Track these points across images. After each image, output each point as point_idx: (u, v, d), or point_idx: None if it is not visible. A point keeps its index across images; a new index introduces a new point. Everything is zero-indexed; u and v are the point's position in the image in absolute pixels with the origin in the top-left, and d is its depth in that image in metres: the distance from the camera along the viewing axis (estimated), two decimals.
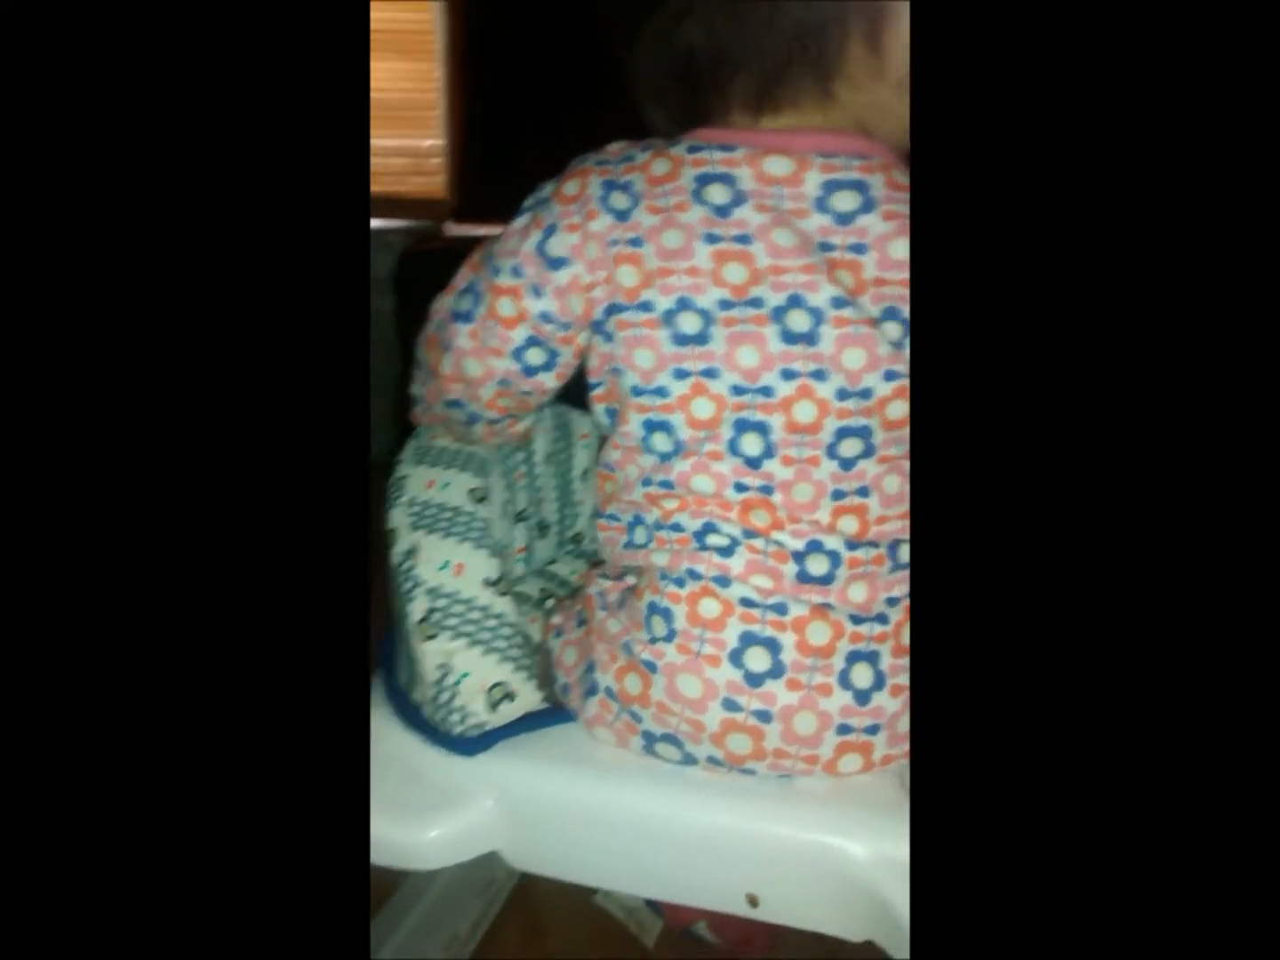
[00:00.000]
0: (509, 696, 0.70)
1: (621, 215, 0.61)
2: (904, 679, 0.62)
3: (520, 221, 0.64)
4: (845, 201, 0.59)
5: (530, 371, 0.66)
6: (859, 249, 0.59)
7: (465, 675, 0.69)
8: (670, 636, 0.61)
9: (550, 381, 0.67)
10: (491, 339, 0.65)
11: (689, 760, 0.64)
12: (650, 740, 0.64)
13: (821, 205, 0.59)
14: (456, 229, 2.58)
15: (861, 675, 0.61)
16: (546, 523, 0.86)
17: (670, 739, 0.63)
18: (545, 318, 0.63)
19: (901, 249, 0.59)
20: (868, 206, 0.59)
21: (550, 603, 0.80)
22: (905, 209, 0.59)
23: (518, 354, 0.65)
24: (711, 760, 0.63)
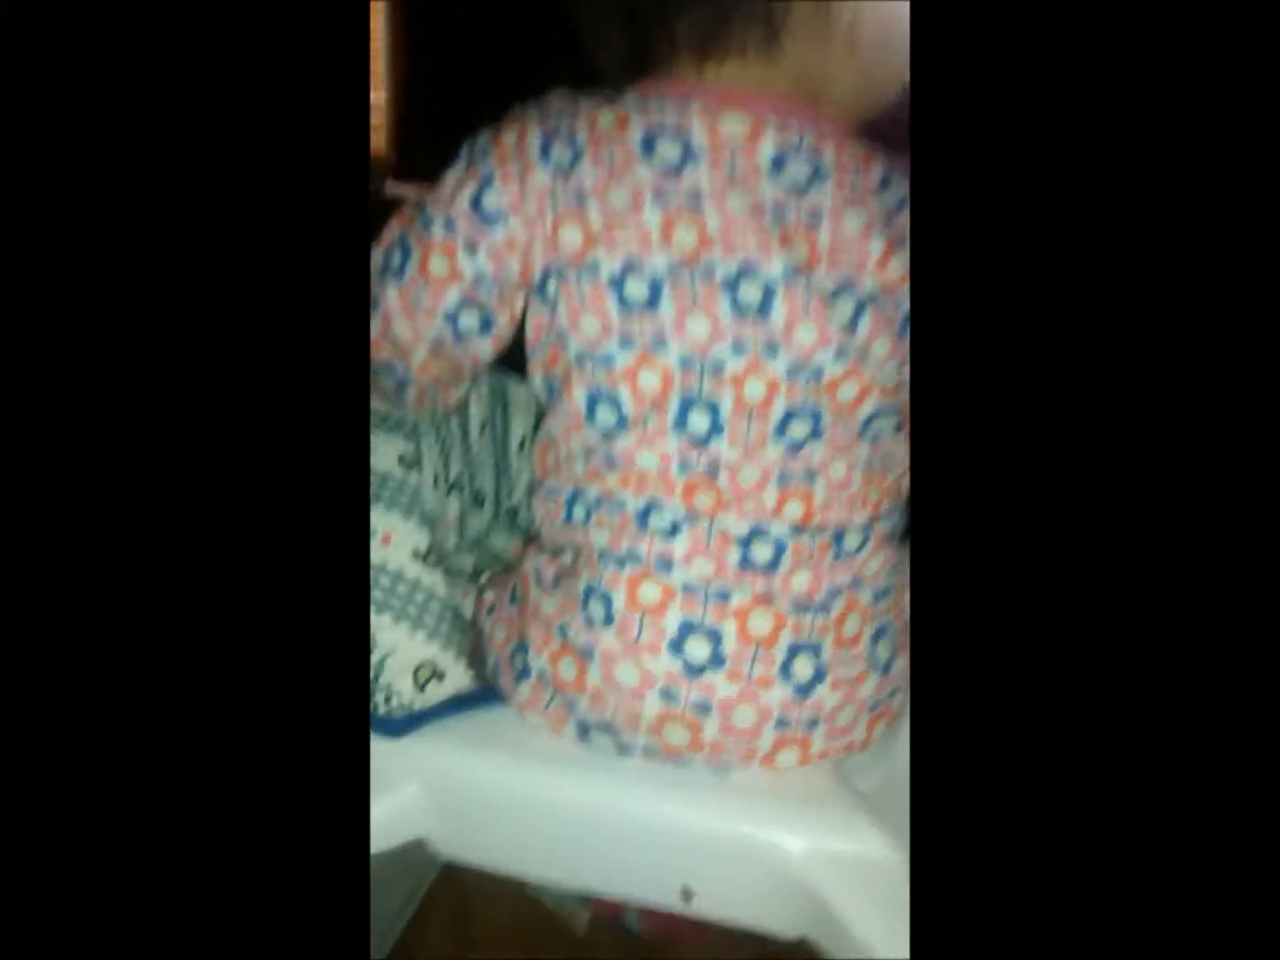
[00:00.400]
0: (437, 676, 0.67)
1: (563, 169, 0.57)
2: (845, 672, 0.60)
3: (454, 172, 0.60)
4: (798, 170, 0.57)
5: (463, 336, 0.61)
6: (813, 220, 0.57)
7: (391, 652, 0.66)
8: (608, 621, 0.59)
9: (485, 348, 0.62)
10: (422, 299, 0.60)
11: (624, 750, 0.62)
12: (584, 728, 0.62)
13: (775, 172, 0.57)
14: (396, 188, 2.50)
15: (803, 667, 0.59)
16: (482, 494, 0.82)
17: (605, 727, 0.61)
18: (480, 279, 0.59)
19: (855, 222, 0.57)
20: (820, 177, 0.57)
21: (484, 578, 0.77)
22: (858, 181, 0.57)
23: (450, 317, 0.60)
24: (647, 750, 0.61)
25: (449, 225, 0.58)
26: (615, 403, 0.58)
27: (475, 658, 0.68)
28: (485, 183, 0.58)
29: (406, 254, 0.60)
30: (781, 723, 0.59)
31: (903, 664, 0.63)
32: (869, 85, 0.61)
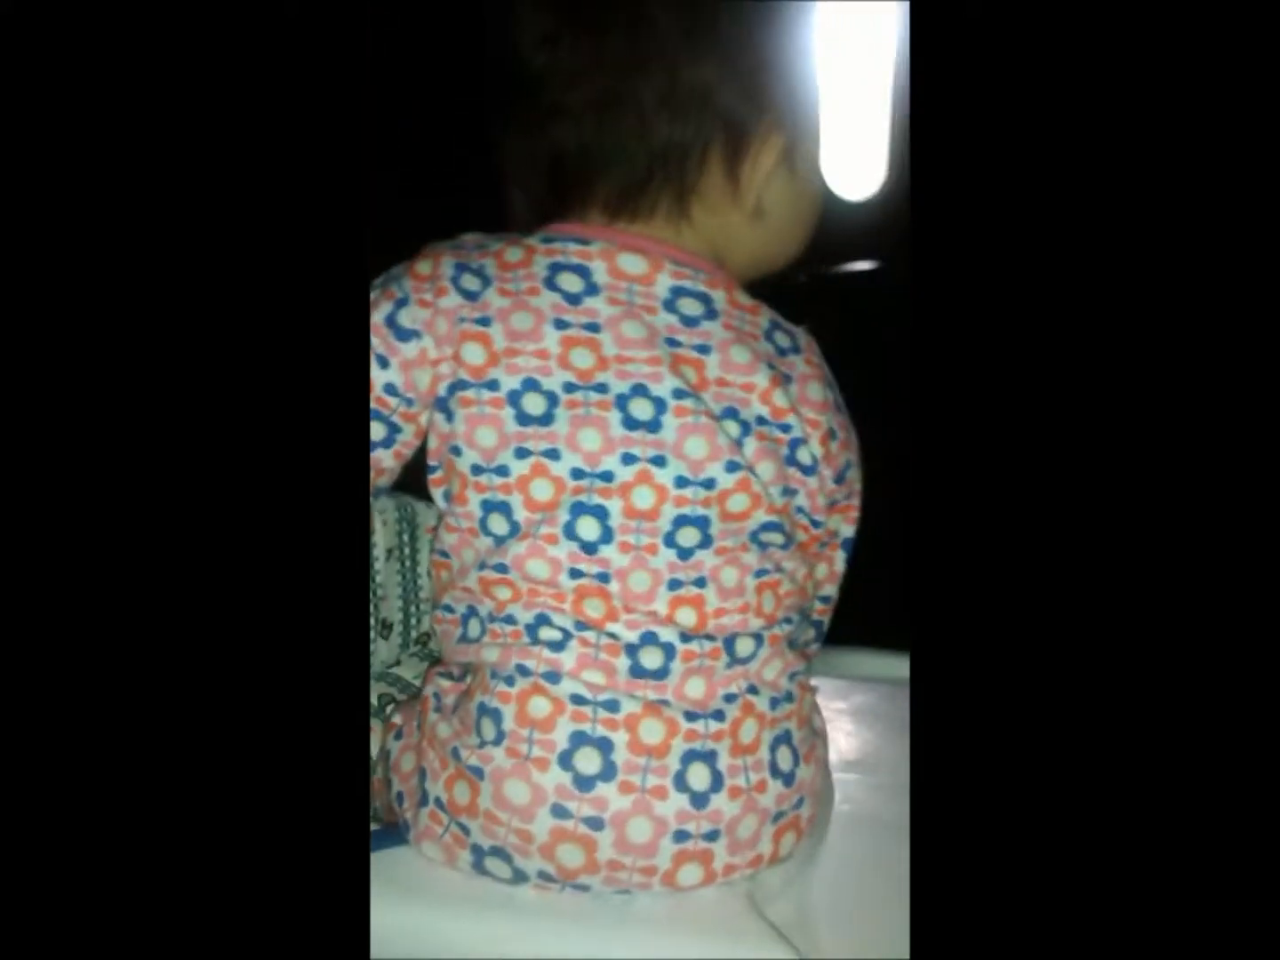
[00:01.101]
0: None
1: (472, 295, 0.60)
2: (743, 780, 0.58)
3: (371, 295, 0.63)
4: (691, 307, 0.61)
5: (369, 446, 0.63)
6: (703, 349, 0.60)
7: None
8: (499, 739, 0.57)
9: (388, 460, 0.63)
10: None
11: (519, 876, 0.58)
12: (479, 855, 0.59)
13: (670, 306, 0.61)
14: None
15: (698, 776, 0.57)
16: (389, 621, 0.80)
17: (499, 852, 0.58)
18: (390, 390, 0.61)
19: (741, 355, 0.60)
20: (711, 315, 0.61)
21: (391, 708, 0.74)
22: (742, 324, 0.62)
23: None
24: (542, 876, 0.58)
25: None
26: (507, 511, 0.59)
27: (383, 790, 0.65)
28: (401, 303, 0.61)
29: None
30: (680, 835, 0.57)
31: (807, 773, 0.61)
32: (768, 252, 0.66)
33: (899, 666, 0.88)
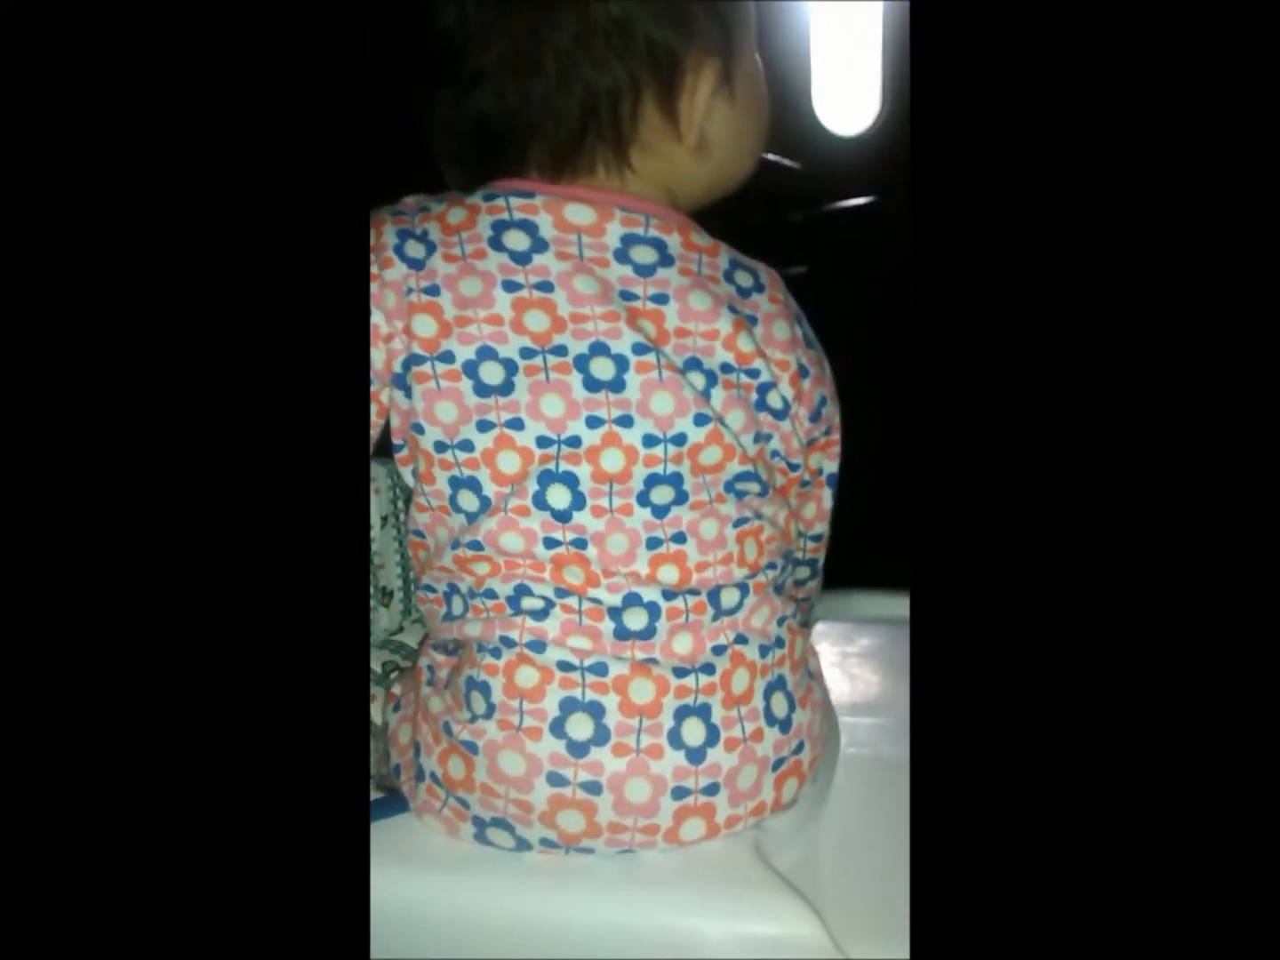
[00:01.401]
0: None
1: (417, 264, 0.58)
2: (738, 731, 0.58)
3: None
4: (644, 255, 0.59)
5: None
6: (661, 299, 0.58)
7: None
8: (489, 712, 0.57)
9: None
10: None
11: (522, 845, 0.58)
12: (481, 826, 0.59)
13: (622, 256, 0.59)
14: None
15: (693, 731, 0.57)
16: (389, 589, 0.80)
17: (500, 823, 0.58)
18: None
19: (701, 301, 0.58)
20: (666, 261, 0.59)
21: (395, 675, 0.74)
22: (699, 267, 0.59)
23: None
24: (545, 843, 0.58)
25: None
26: (476, 487, 0.58)
27: (385, 760, 0.65)
28: None
29: None
30: (679, 791, 0.57)
31: (804, 717, 0.61)
32: (720, 179, 0.63)
33: (904, 607, 0.87)
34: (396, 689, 0.67)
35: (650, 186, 0.61)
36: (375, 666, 0.75)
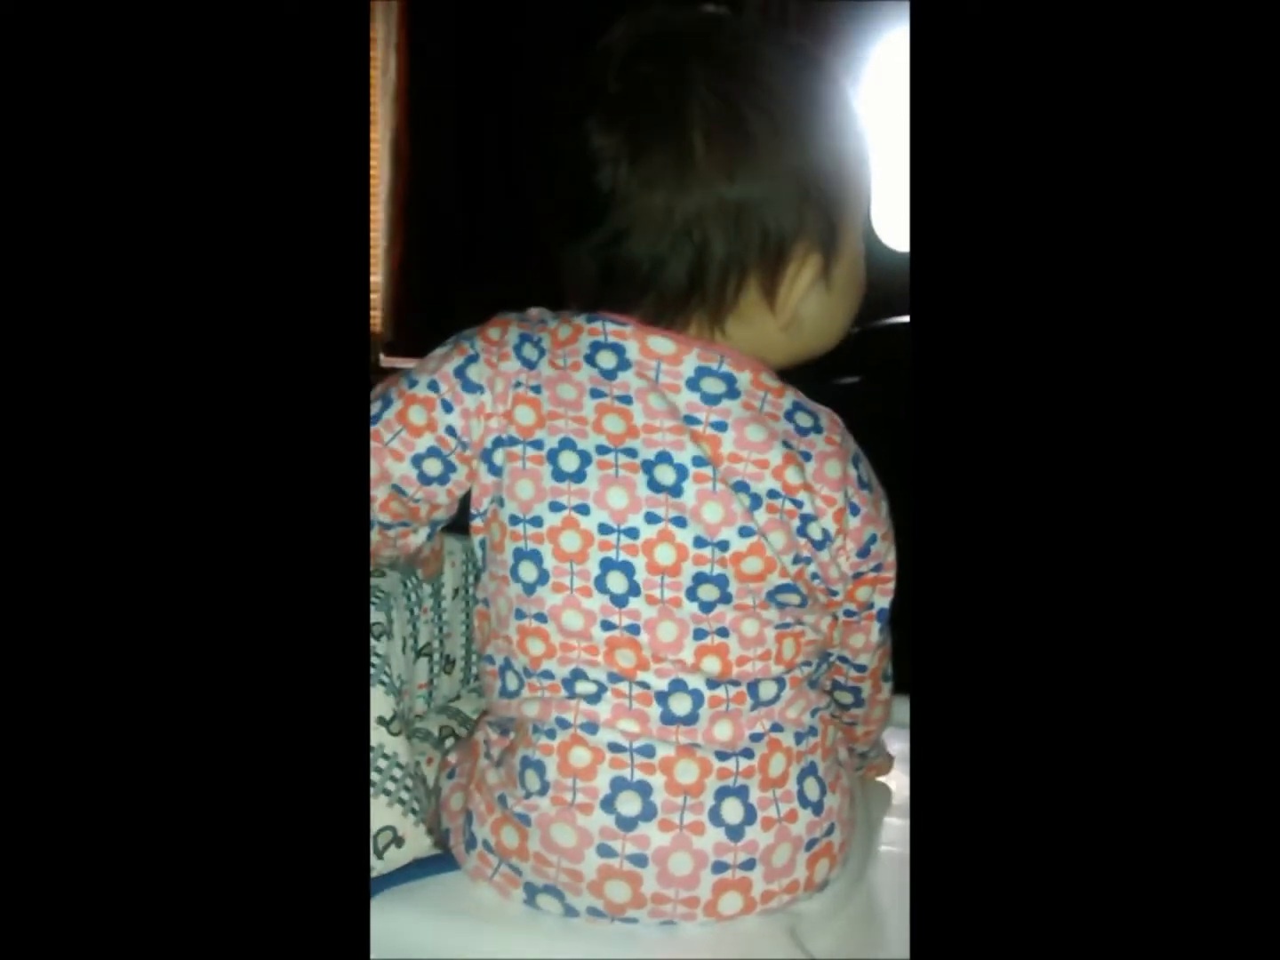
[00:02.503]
0: (397, 841, 0.67)
1: (529, 364, 0.65)
2: (774, 812, 0.62)
3: (443, 349, 0.68)
4: (713, 386, 0.64)
5: (425, 479, 0.67)
6: (720, 426, 0.64)
7: None
8: (544, 790, 0.62)
9: (441, 495, 0.68)
10: (395, 441, 0.67)
11: (570, 912, 0.62)
12: (532, 892, 0.63)
13: (693, 385, 0.64)
14: (388, 361, 2.72)
15: (731, 811, 0.61)
16: (452, 658, 0.84)
17: (551, 890, 0.62)
18: (450, 431, 0.66)
19: (756, 433, 0.63)
20: (732, 394, 0.64)
21: (450, 741, 0.78)
22: (763, 405, 0.64)
23: (416, 460, 0.67)
24: (592, 911, 0.62)
25: (433, 386, 0.67)
26: (538, 559, 0.63)
27: (436, 820, 0.69)
28: (471, 359, 0.66)
29: (388, 404, 0.67)
30: (718, 866, 0.61)
31: (834, 801, 0.64)
32: (801, 354, 0.69)
33: None
34: (451, 756, 0.71)
35: (736, 346, 0.66)
36: (433, 729, 0.80)
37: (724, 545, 0.62)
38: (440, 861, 0.67)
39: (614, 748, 0.62)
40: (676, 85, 0.61)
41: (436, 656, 0.82)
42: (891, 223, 1.96)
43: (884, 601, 0.69)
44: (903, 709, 0.91)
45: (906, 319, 1.51)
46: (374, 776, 0.68)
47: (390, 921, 0.63)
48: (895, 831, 0.74)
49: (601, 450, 0.63)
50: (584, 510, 0.63)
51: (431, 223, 2.76)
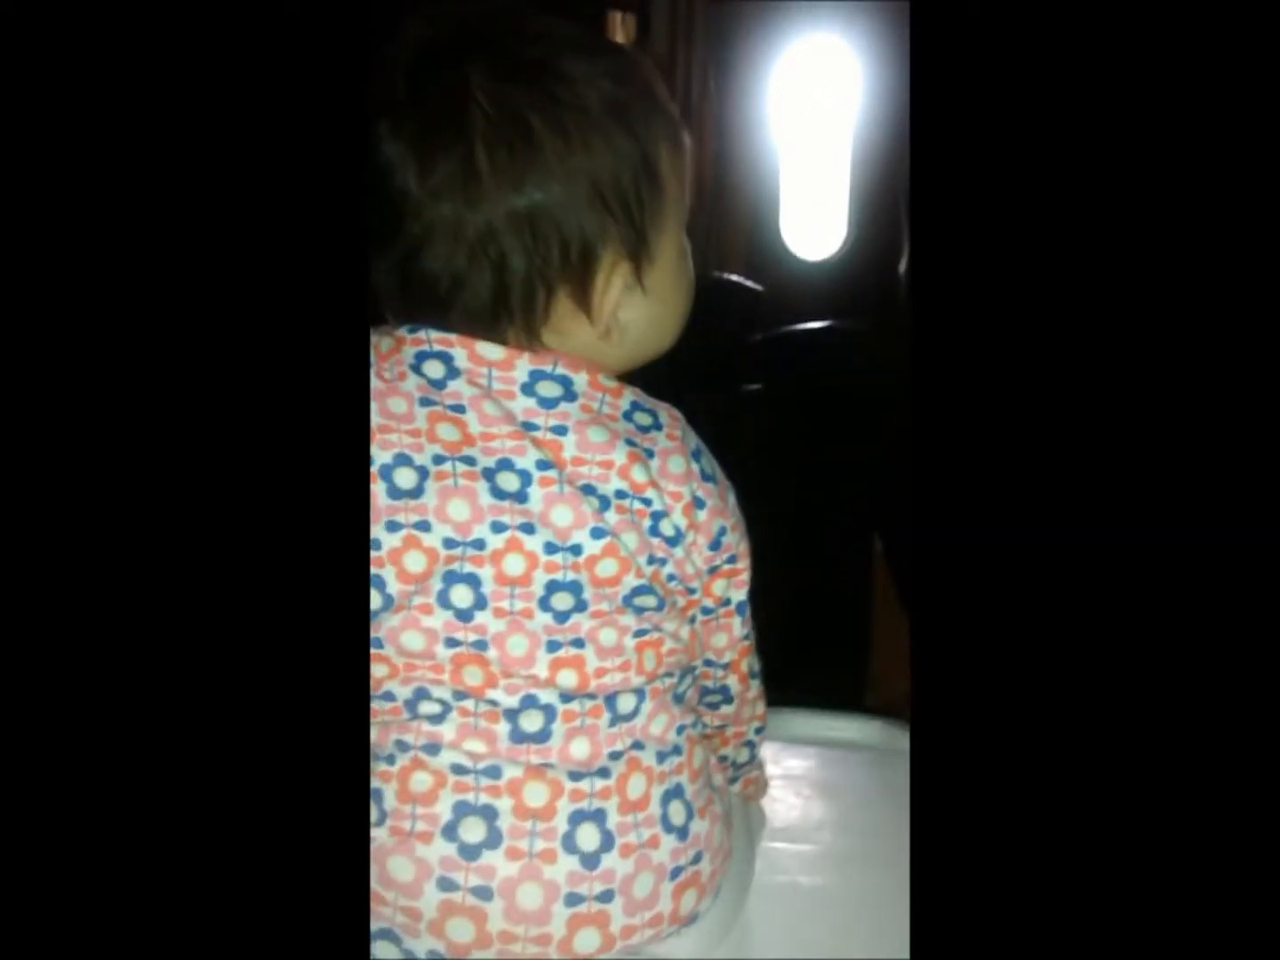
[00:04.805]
0: None
1: None
2: (634, 838, 0.57)
3: None
4: (549, 389, 0.61)
5: None
6: (560, 430, 0.60)
7: None
8: (381, 820, 0.56)
9: None
10: None
11: (409, 957, 0.56)
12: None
13: (528, 390, 0.61)
14: None
15: (587, 837, 0.56)
16: None
17: (387, 934, 0.56)
18: None
19: (598, 434, 0.60)
20: (569, 397, 0.61)
21: None
22: (601, 406, 0.61)
23: None
24: (433, 955, 0.56)
25: None
26: (380, 585, 0.58)
27: None
28: None
29: None
30: (572, 898, 0.56)
31: (702, 827, 0.60)
32: (633, 357, 0.65)
33: (835, 728, 0.85)
34: None
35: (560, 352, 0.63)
36: None
37: (576, 549, 0.58)
38: None
39: (457, 769, 0.56)
40: (457, 90, 0.57)
41: None
42: (800, 231, 1.94)
43: (740, 594, 0.66)
44: (802, 723, 0.87)
45: (813, 325, 1.48)
46: None
47: None
48: (779, 857, 0.68)
49: (438, 460, 0.58)
50: (425, 527, 0.58)
51: None
